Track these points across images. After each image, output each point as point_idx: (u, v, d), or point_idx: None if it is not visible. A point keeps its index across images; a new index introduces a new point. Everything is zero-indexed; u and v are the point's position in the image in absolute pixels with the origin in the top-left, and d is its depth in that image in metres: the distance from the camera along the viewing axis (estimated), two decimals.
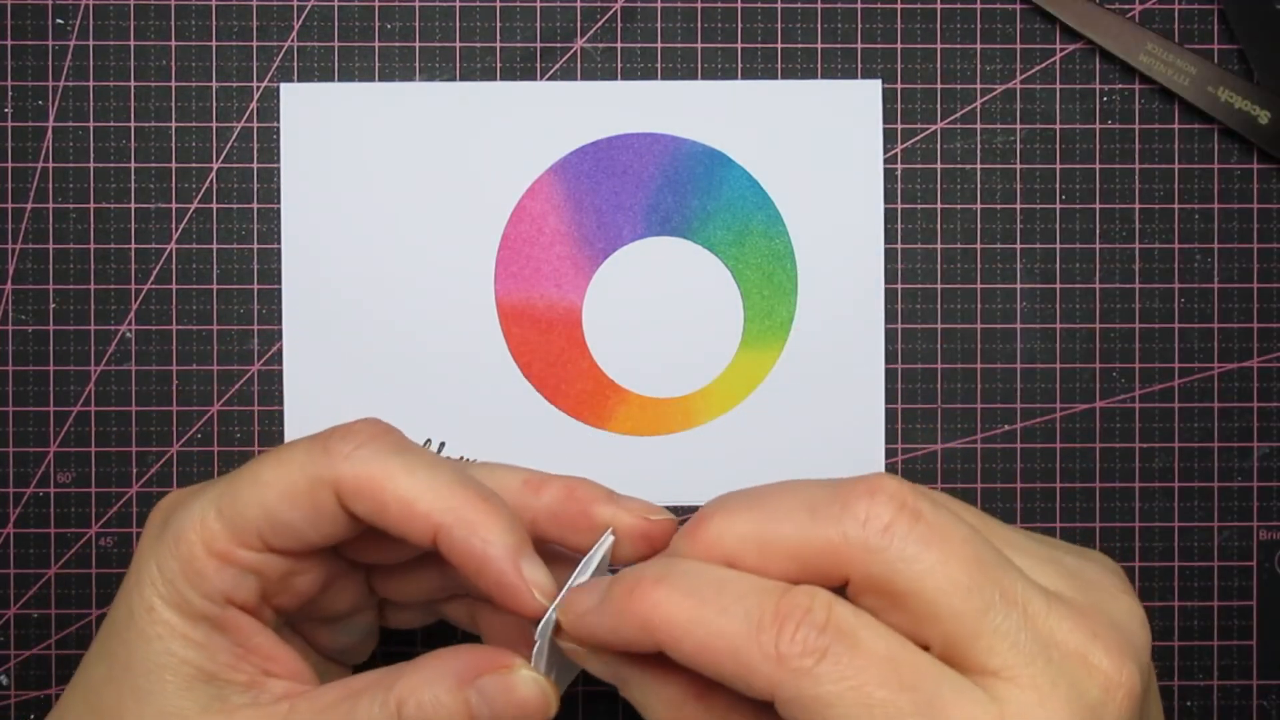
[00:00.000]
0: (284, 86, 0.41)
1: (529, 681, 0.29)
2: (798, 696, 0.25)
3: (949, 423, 0.41)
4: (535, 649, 0.29)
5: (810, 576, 0.26)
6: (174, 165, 0.41)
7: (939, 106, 0.41)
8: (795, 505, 0.26)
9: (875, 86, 0.41)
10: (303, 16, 0.41)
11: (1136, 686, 0.25)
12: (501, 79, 0.41)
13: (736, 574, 0.27)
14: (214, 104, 0.41)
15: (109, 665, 0.30)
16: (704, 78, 0.41)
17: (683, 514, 0.41)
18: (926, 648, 0.26)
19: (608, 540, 0.30)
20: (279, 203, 0.41)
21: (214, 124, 0.41)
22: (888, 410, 0.41)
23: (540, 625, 0.29)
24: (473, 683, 0.29)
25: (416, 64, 0.41)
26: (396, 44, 0.41)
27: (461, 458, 0.41)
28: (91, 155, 0.41)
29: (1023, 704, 0.25)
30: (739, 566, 0.27)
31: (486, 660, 0.29)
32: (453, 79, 0.41)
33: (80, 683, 0.31)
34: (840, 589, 0.26)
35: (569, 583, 0.29)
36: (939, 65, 0.41)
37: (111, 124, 0.41)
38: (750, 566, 0.27)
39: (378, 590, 0.34)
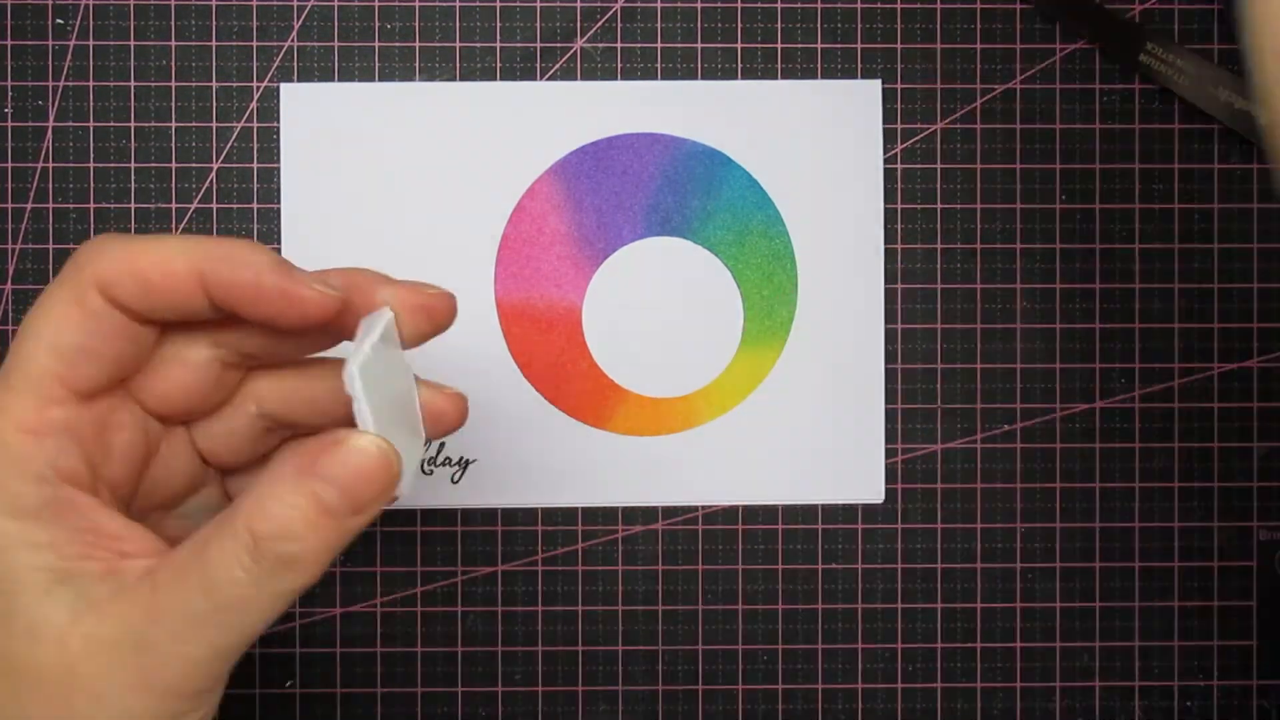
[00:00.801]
0: (284, 86, 0.41)
1: (363, 446, 0.27)
2: None
3: (949, 423, 0.41)
4: (354, 408, 0.27)
5: None
6: (174, 165, 0.41)
7: (939, 106, 0.41)
8: None
9: (875, 86, 0.41)
10: (303, 16, 0.41)
11: None
12: (501, 79, 0.41)
13: None
14: (214, 104, 0.41)
15: None
16: (704, 78, 0.41)
17: (683, 514, 0.41)
18: None
19: (386, 314, 0.29)
20: (279, 203, 0.41)
21: (214, 124, 0.41)
22: (888, 410, 0.41)
23: (348, 374, 0.27)
24: (311, 472, 0.27)
25: (416, 64, 0.41)
26: (396, 44, 0.41)
27: (461, 459, 0.41)
28: (91, 155, 0.41)
29: None
30: None
31: (315, 446, 0.27)
32: (453, 79, 0.41)
33: None
34: None
35: (354, 350, 0.28)
36: (939, 65, 0.41)
37: (111, 124, 0.41)
38: None
39: (201, 450, 0.32)
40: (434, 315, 0.30)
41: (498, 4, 0.41)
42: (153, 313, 0.28)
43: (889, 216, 0.41)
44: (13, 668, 0.27)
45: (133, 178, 0.41)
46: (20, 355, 0.27)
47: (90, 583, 0.27)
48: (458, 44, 0.41)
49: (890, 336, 0.41)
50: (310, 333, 0.30)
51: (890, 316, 0.41)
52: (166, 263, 0.28)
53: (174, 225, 0.41)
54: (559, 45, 0.41)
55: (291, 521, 0.26)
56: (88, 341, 0.28)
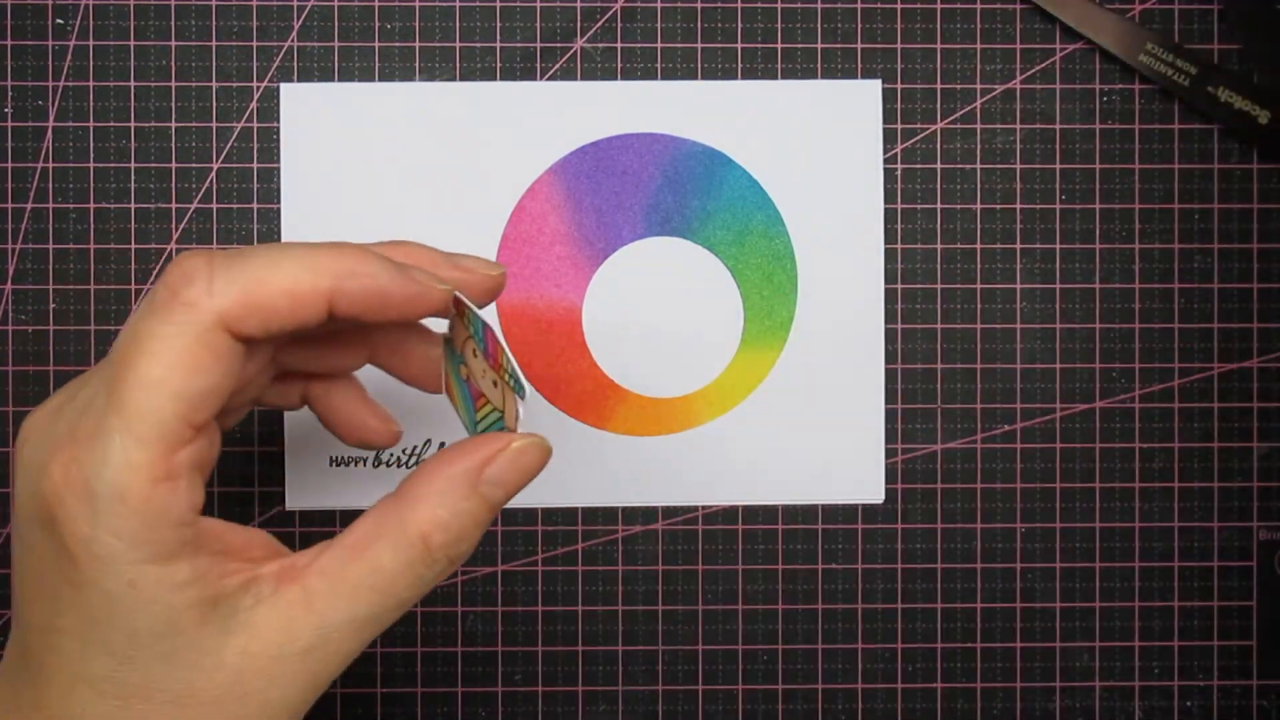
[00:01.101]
0: (284, 86, 0.41)
1: (527, 447, 0.30)
2: None
3: (949, 423, 0.41)
4: (518, 408, 0.30)
5: None
6: (174, 165, 0.41)
7: (939, 106, 0.41)
8: None
9: (875, 86, 0.41)
10: (303, 16, 0.41)
11: None
12: (501, 79, 0.41)
13: None
14: (214, 104, 0.41)
15: (109, 653, 0.28)
16: (704, 78, 0.41)
17: (683, 514, 0.41)
18: None
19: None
20: (279, 203, 0.41)
21: (214, 124, 0.41)
22: (888, 410, 0.41)
23: (521, 386, 0.30)
24: (481, 478, 0.29)
25: (416, 64, 0.41)
26: (396, 44, 0.41)
27: None
28: (91, 155, 0.41)
29: None
30: None
31: (484, 451, 0.30)
32: (453, 79, 0.41)
33: (75, 677, 0.28)
34: None
35: (508, 359, 0.30)
36: (939, 65, 0.41)
37: (111, 124, 0.41)
38: None
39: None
40: (494, 291, 0.32)
41: (498, 4, 0.41)
42: (270, 335, 0.29)
43: (889, 216, 0.41)
44: (180, 698, 0.28)
45: (133, 178, 0.41)
46: (141, 403, 0.27)
47: (237, 600, 0.28)
48: (458, 44, 0.41)
49: (890, 336, 0.41)
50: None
51: (890, 316, 0.41)
52: (294, 288, 0.28)
53: (174, 225, 0.41)
54: (559, 45, 0.41)
55: (466, 527, 0.29)
56: (217, 383, 0.28)
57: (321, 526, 0.41)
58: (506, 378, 0.31)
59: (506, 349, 0.31)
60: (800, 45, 0.41)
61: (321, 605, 0.28)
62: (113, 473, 0.27)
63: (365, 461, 0.41)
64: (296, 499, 0.41)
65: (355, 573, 0.28)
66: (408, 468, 0.41)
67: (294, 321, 0.28)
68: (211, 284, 0.28)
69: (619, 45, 0.41)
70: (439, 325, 0.33)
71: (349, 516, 0.41)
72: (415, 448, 0.41)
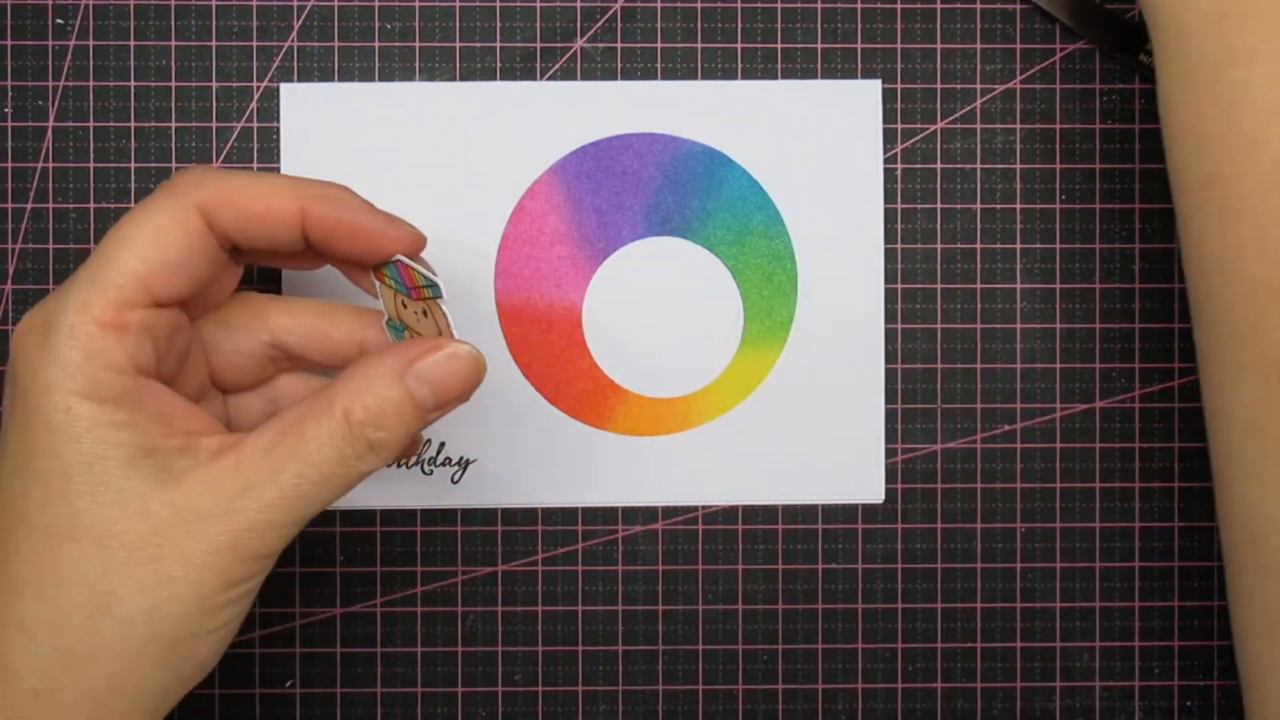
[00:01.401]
0: (284, 86, 0.41)
1: (459, 353, 0.32)
2: None
3: (949, 423, 0.41)
4: (448, 323, 0.33)
5: None
6: (174, 165, 0.41)
7: (939, 106, 0.41)
8: None
9: (875, 86, 0.41)
10: (303, 16, 0.41)
11: None
12: (501, 79, 0.41)
13: None
14: (214, 104, 0.41)
15: (44, 485, 0.30)
16: (704, 78, 0.41)
17: (683, 514, 0.41)
18: None
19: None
20: None
21: (214, 124, 0.41)
22: (888, 410, 0.41)
23: (443, 301, 0.32)
24: (409, 371, 0.31)
25: (416, 64, 0.41)
26: (396, 44, 0.41)
27: (461, 459, 0.41)
28: (91, 155, 0.41)
29: None
30: None
31: (415, 349, 0.32)
32: (453, 79, 0.41)
33: (16, 516, 0.30)
34: None
35: (435, 280, 0.33)
36: (939, 65, 0.41)
37: (111, 124, 0.41)
38: None
39: (211, 367, 0.35)
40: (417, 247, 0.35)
41: (498, 4, 0.41)
42: (245, 242, 0.32)
43: (889, 216, 0.41)
44: (102, 538, 0.29)
45: (133, 178, 0.41)
46: (109, 258, 0.30)
47: (171, 457, 0.30)
48: (458, 44, 0.41)
49: (890, 336, 0.41)
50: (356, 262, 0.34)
51: (890, 316, 0.41)
52: (272, 198, 0.32)
53: None
54: (559, 45, 0.41)
55: (385, 412, 0.31)
56: (181, 258, 0.31)
57: (322, 526, 0.41)
58: (426, 292, 0.33)
59: (415, 264, 0.33)
60: (800, 45, 0.41)
61: (249, 469, 0.30)
62: (68, 312, 0.30)
63: None
64: None
65: (283, 444, 0.30)
66: (407, 468, 0.41)
67: (266, 228, 0.32)
68: (202, 178, 0.31)
69: (619, 45, 0.41)
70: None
71: (348, 516, 0.41)
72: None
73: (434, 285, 0.33)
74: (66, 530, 0.29)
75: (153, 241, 0.30)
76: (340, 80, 0.41)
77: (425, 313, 0.34)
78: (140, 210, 0.31)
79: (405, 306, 0.34)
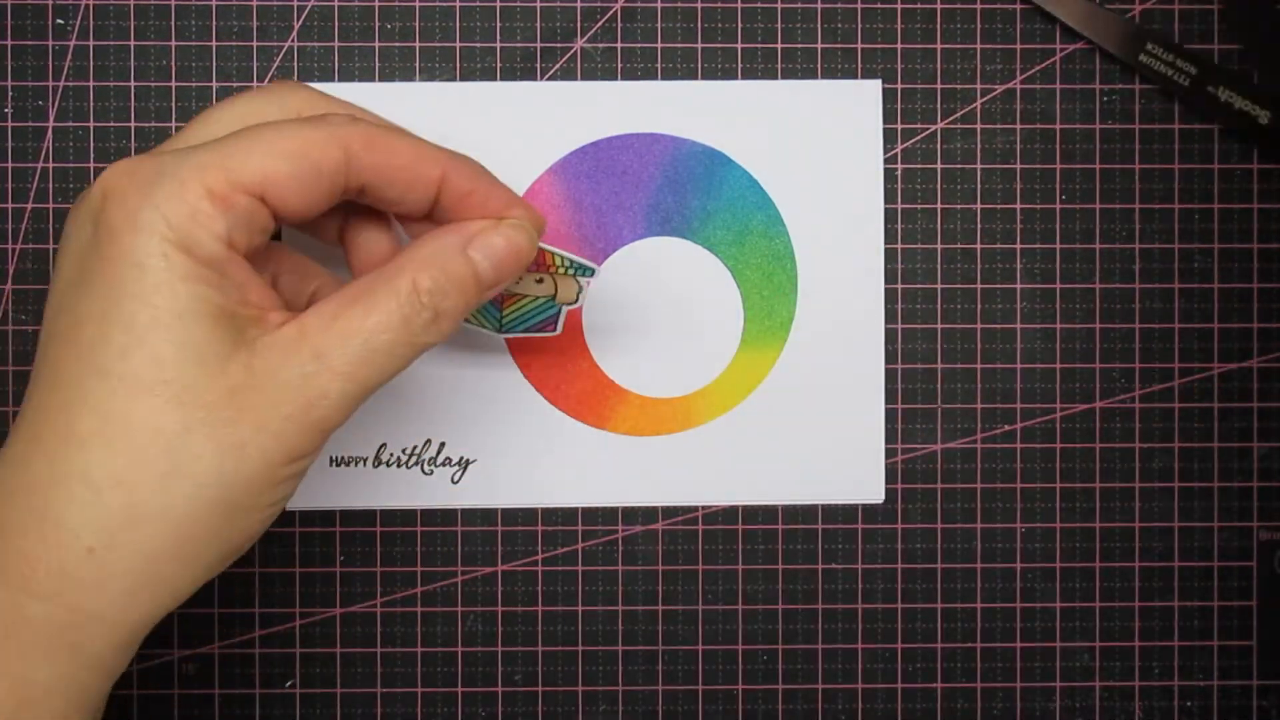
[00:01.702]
0: None
1: (515, 229, 0.33)
2: None
3: (949, 423, 0.41)
4: (579, 290, 0.37)
5: None
6: None
7: (939, 106, 0.41)
8: None
9: (875, 87, 0.41)
10: (303, 16, 0.41)
11: None
12: (501, 79, 0.41)
13: None
14: (214, 104, 0.41)
15: (127, 331, 0.29)
16: (704, 78, 0.41)
17: (683, 514, 0.41)
18: None
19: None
20: None
21: None
22: (888, 410, 0.41)
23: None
24: (471, 245, 0.33)
25: (416, 64, 0.41)
26: (396, 44, 0.41)
27: (461, 459, 0.41)
28: (91, 155, 0.41)
29: None
30: None
31: (475, 226, 0.33)
32: (453, 79, 0.41)
33: (87, 364, 0.29)
34: None
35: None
36: (939, 65, 0.41)
37: (111, 124, 0.41)
38: None
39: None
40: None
41: (498, 4, 0.41)
42: (372, 190, 0.32)
43: (889, 216, 0.41)
44: (183, 393, 0.29)
45: None
46: (242, 144, 0.30)
47: (246, 325, 0.30)
48: (458, 44, 0.41)
49: (890, 336, 0.41)
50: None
51: (890, 316, 0.41)
52: (419, 159, 0.32)
53: None
54: (559, 45, 0.41)
55: (451, 283, 0.32)
56: (308, 180, 0.31)
57: (322, 526, 0.41)
58: (562, 270, 0.37)
59: (554, 249, 0.36)
60: (800, 45, 0.41)
61: (317, 339, 0.30)
62: (183, 169, 0.29)
63: (365, 461, 0.41)
64: (296, 499, 0.41)
65: (348, 315, 0.31)
66: (407, 467, 0.41)
67: (400, 183, 0.32)
68: (357, 119, 0.32)
69: (619, 45, 0.41)
70: None
71: (349, 516, 0.41)
72: (415, 447, 0.41)
73: (582, 267, 0.36)
74: (147, 382, 0.29)
75: (287, 151, 0.30)
76: (340, 80, 0.41)
77: (540, 281, 0.37)
78: (288, 122, 0.31)
79: (519, 280, 0.37)
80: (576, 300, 0.37)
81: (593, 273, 0.37)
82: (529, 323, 0.38)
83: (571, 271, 0.37)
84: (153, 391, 0.29)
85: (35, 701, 0.28)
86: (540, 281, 0.37)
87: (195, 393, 0.29)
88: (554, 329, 0.38)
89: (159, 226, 0.29)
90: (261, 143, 0.30)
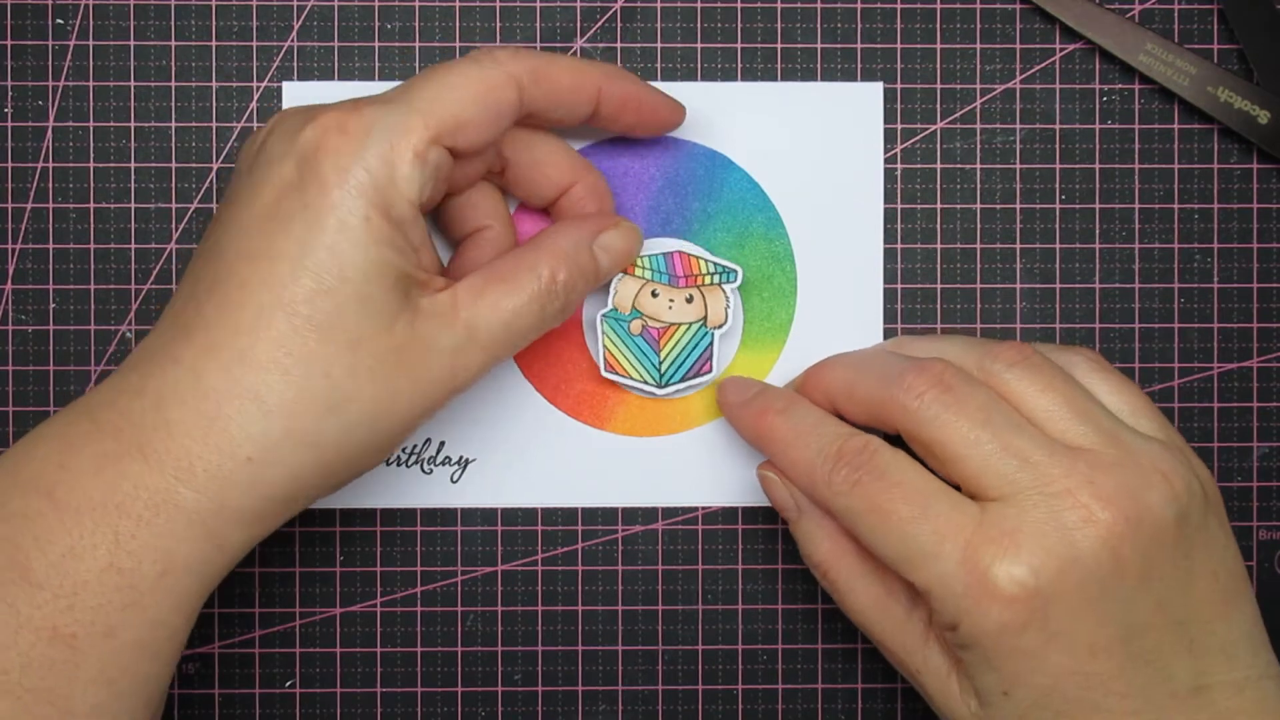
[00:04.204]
0: (286, 85, 0.41)
1: (631, 225, 0.38)
2: (838, 509, 0.35)
3: None
4: (726, 303, 0.40)
5: (876, 422, 0.36)
6: (174, 165, 0.41)
7: (939, 106, 0.41)
8: (876, 369, 0.36)
9: (876, 89, 0.41)
10: (303, 16, 0.41)
11: (1117, 527, 0.32)
12: None
13: (828, 420, 0.37)
14: (214, 104, 0.41)
15: (317, 279, 0.32)
16: (704, 79, 0.41)
17: (683, 514, 0.41)
18: (958, 487, 0.34)
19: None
20: None
21: (214, 124, 0.41)
22: None
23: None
24: (596, 241, 0.37)
25: (416, 64, 0.41)
26: (396, 44, 0.41)
27: (461, 459, 0.41)
28: (91, 155, 0.41)
29: (1002, 514, 0.33)
30: (837, 403, 0.37)
31: (599, 223, 0.37)
32: None
33: (276, 299, 0.32)
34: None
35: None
36: (939, 65, 0.41)
37: (111, 124, 0.41)
38: (843, 405, 0.37)
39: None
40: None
41: (498, 4, 0.41)
42: (543, 114, 0.36)
43: (889, 216, 0.41)
44: (356, 343, 0.32)
45: (133, 178, 0.41)
46: (432, 97, 0.33)
47: (412, 286, 0.33)
48: (458, 44, 0.41)
49: (890, 336, 0.41)
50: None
51: (890, 316, 0.41)
52: (578, 75, 0.36)
53: (174, 225, 0.41)
54: (559, 45, 0.41)
55: (583, 275, 0.36)
56: (491, 120, 0.34)
57: (323, 526, 0.41)
58: (708, 279, 0.40)
59: (700, 253, 0.40)
60: (800, 45, 0.41)
61: (467, 314, 0.34)
62: (389, 130, 0.32)
63: None
64: None
65: (494, 294, 0.34)
66: (407, 467, 0.41)
67: (568, 103, 0.36)
68: (517, 54, 0.35)
69: (619, 45, 0.41)
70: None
71: (349, 516, 0.41)
72: (415, 447, 0.41)
73: (726, 271, 0.40)
74: (327, 327, 0.32)
75: (473, 96, 0.34)
76: (340, 80, 0.41)
77: (690, 299, 0.40)
78: (462, 66, 0.34)
79: (656, 295, 0.40)
80: (726, 320, 0.40)
81: (736, 276, 0.40)
82: (686, 366, 0.40)
83: (716, 279, 0.40)
84: (331, 338, 0.32)
85: (174, 573, 0.32)
86: (690, 300, 0.40)
87: (366, 344, 0.32)
88: (710, 370, 0.40)
89: (366, 188, 0.32)
90: (452, 90, 0.33)
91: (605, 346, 0.40)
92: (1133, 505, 0.33)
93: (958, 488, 0.34)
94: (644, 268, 0.40)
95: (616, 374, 0.40)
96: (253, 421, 0.32)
